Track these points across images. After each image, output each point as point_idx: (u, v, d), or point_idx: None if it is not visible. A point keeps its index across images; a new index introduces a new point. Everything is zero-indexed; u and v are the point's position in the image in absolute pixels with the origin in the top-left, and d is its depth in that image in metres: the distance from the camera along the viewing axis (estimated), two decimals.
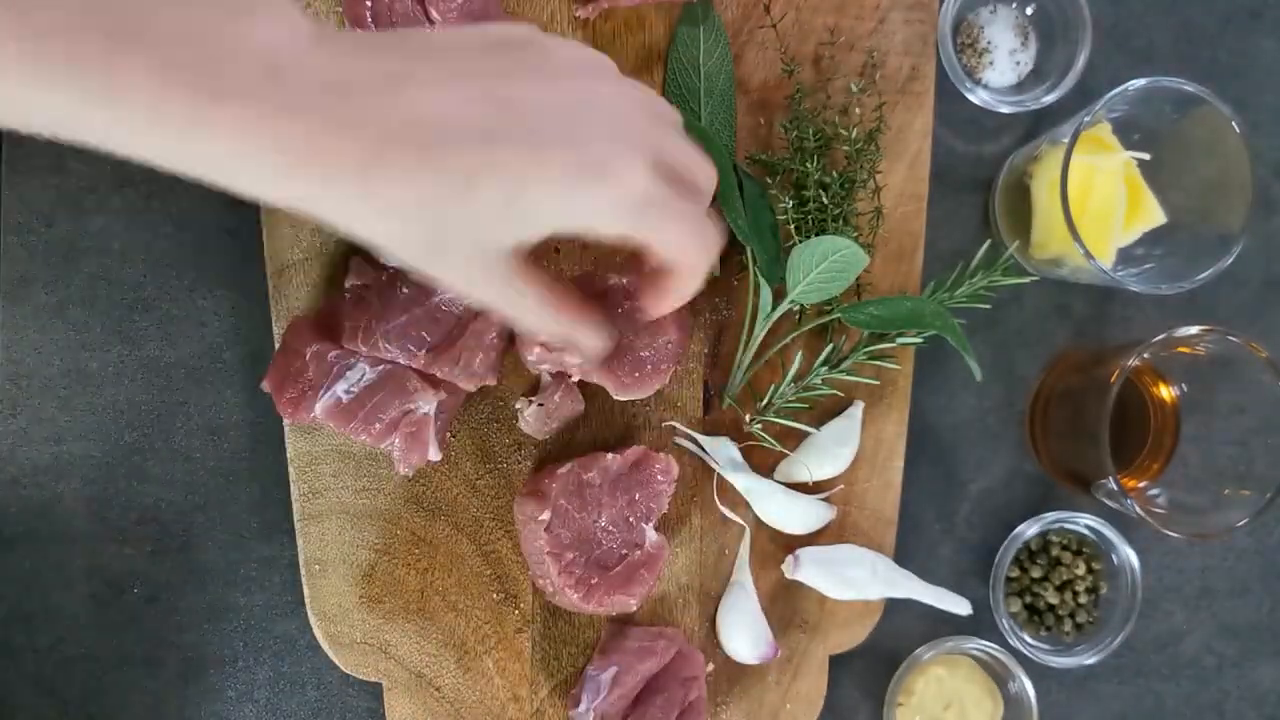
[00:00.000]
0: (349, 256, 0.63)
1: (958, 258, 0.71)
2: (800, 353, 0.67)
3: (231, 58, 0.38)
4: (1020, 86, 0.73)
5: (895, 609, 0.70)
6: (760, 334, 0.66)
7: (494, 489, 0.66)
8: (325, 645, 0.65)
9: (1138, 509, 0.64)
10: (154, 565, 0.67)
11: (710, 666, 0.68)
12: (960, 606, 0.69)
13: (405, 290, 0.60)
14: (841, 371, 0.67)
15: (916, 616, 0.71)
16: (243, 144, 0.39)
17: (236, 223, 0.67)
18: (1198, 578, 0.76)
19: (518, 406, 0.65)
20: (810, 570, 0.67)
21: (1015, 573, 0.73)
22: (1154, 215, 0.68)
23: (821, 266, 0.62)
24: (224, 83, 0.38)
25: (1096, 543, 0.72)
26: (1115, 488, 0.64)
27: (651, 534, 0.65)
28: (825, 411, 0.69)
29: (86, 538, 0.66)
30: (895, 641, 0.72)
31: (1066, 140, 0.62)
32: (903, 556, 0.71)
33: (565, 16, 0.66)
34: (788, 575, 0.68)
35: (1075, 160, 0.62)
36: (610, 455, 0.64)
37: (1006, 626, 0.71)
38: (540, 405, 0.64)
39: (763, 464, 0.69)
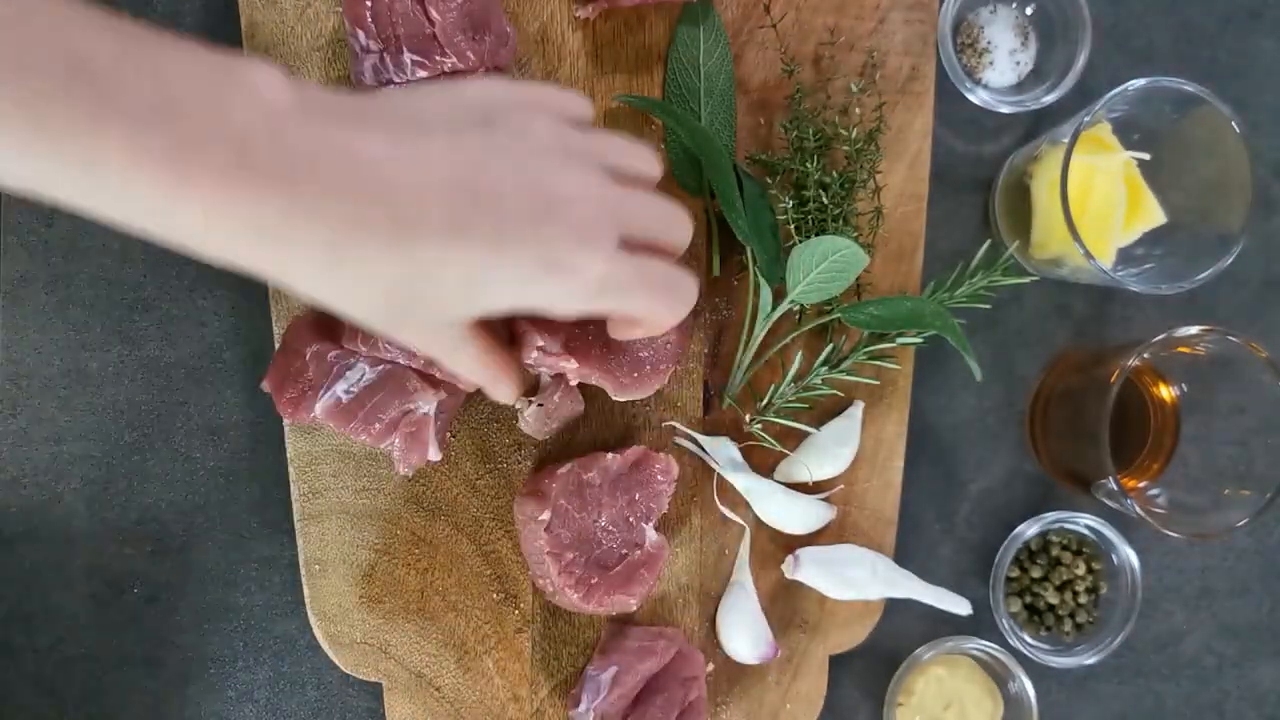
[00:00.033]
0: None
1: (958, 258, 0.71)
2: (800, 353, 0.67)
3: (206, 135, 0.39)
4: (1020, 86, 0.73)
5: (895, 609, 0.70)
6: (760, 334, 0.66)
7: (494, 489, 0.66)
8: (325, 645, 0.65)
9: (1138, 509, 0.64)
10: (154, 565, 0.67)
11: (710, 666, 0.68)
12: (960, 606, 0.69)
13: None
14: (841, 371, 0.67)
15: (916, 616, 0.71)
16: (213, 220, 0.40)
17: None
18: (1198, 578, 0.76)
19: (518, 406, 0.65)
20: (810, 570, 0.67)
21: (1015, 573, 0.73)
22: (1154, 215, 0.68)
23: (821, 266, 0.62)
24: (196, 162, 0.38)
25: (1096, 543, 0.72)
26: (1115, 488, 0.64)
27: (651, 534, 0.65)
28: (825, 411, 0.69)
29: (86, 538, 0.66)
30: (895, 641, 0.72)
31: (1066, 140, 0.62)
32: (903, 556, 0.71)
33: (565, 16, 0.66)
34: (788, 575, 0.68)
35: (1075, 160, 0.62)
36: (610, 455, 0.64)
37: (1006, 626, 0.71)
38: (540, 405, 0.64)
39: (763, 464, 0.69)
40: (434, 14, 0.59)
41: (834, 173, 0.67)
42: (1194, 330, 0.64)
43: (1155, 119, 0.67)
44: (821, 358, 0.67)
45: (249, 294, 0.67)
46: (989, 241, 0.70)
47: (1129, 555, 0.70)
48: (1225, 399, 0.69)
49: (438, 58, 0.59)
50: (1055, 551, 0.72)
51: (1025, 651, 0.71)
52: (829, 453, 0.68)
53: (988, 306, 0.70)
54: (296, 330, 0.61)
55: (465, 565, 0.66)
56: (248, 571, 0.68)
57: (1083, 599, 0.72)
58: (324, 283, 0.43)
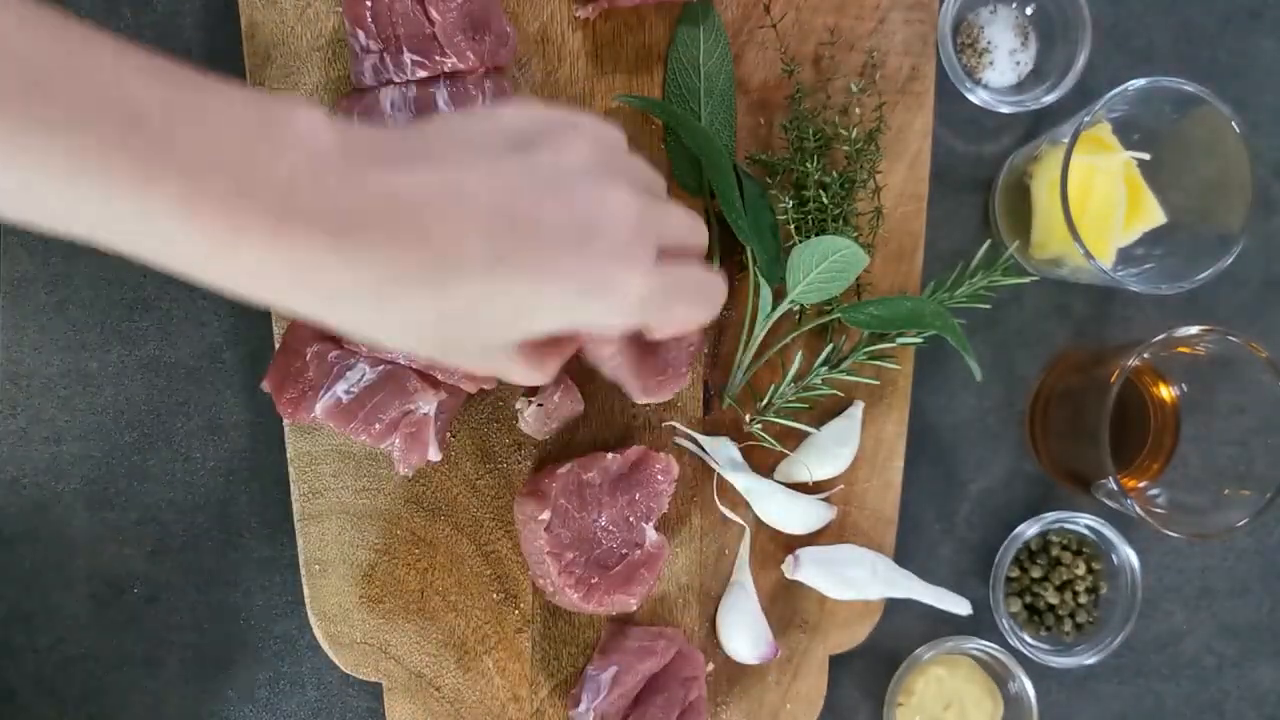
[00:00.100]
0: None
1: (958, 258, 0.71)
2: (800, 353, 0.67)
3: (254, 184, 0.40)
4: (1020, 86, 0.73)
5: (895, 609, 0.70)
6: (760, 334, 0.66)
7: (494, 489, 0.66)
8: (325, 645, 0.65)
9: (1138, 509, 0.64)
10: (154, 565, 0.67)
11: (710, 666, 0.68)
12: (960, 606, 0.69)
13: None
14: (841, 371, 0.67)
15: (916, 616, 0.71)
16: (261, 267, 0.40)
17: None
18: (1198, 578, 0.76)
19: (517, 407, 0.65)
20: (810, 570, 0.67)
21: (1015, 573, 0.73)
22: (1154, 215, 0.68)
23: (821, 266, 0.62)
24: (245, 210, 0.39)
25: (1096, 543, 0.72)
26: (1115, 488, 0.64)
27: (651, 534, 0.65)
28: (825, 411, 0.69)
29: (86, 538, 0.66)
30: (895, 641, 0.72)
31: (1066, 140, 0.62)
32: (903, 556, 0.71)
33: (565, 16, 0.66)
34: (788, 575, 0.68)
35: (1075, 160, 0.62)
36: (610, 455, 0.64)
37: (1006, 626, 0.71)
38: (540, 405, 0.64)
39: (763, 464, 0.69)
40: (434, 14, 0.59)
41: (834, 173, 0.67)
42: (1194, 330, 0.63)
43: (1155, 119, 0.67)
44: (821, 358, 0.67)
45: None
46: (989, 241, 0.70)
47: (1129, 555, 0.70)
48: (1225, 399, 0.69)
49: (438, 58, 0.59)
50: (1055, 551, 0.72)
51: (1025, 651, 0.71)
52: (829, 453, 0.68)
53: (988, 306, 0.70)
54: (296, 330, 0.61)
55: (465, 565, 0.66)
56: (248, 571, 0.68)
57: (1083, 599, 0.72)
58: (371, 325, 0.44)
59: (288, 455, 0.64)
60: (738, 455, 0.68)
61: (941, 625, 0.71)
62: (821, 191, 0.67)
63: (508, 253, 0.43)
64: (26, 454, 0.66)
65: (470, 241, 0.43)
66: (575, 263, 0.44)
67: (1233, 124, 0.63)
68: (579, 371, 0.66)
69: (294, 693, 0.68)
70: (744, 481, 0.67)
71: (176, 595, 0.67)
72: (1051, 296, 0.74)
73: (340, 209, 0.41)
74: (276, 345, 0.63)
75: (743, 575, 0.68)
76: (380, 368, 0.60)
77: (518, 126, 0.47)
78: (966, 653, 0.72)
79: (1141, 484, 0.72)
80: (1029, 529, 0.71)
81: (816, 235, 0.65)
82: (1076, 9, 0.70)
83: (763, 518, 0.68)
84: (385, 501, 0.65)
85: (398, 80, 0.60)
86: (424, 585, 0.65)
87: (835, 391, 0.68)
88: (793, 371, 0.66)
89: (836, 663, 0.70)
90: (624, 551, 0.64)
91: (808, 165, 0.66)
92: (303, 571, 0.65)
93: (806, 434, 0.68)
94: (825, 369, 0.67)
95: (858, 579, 0.67)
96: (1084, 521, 0.71)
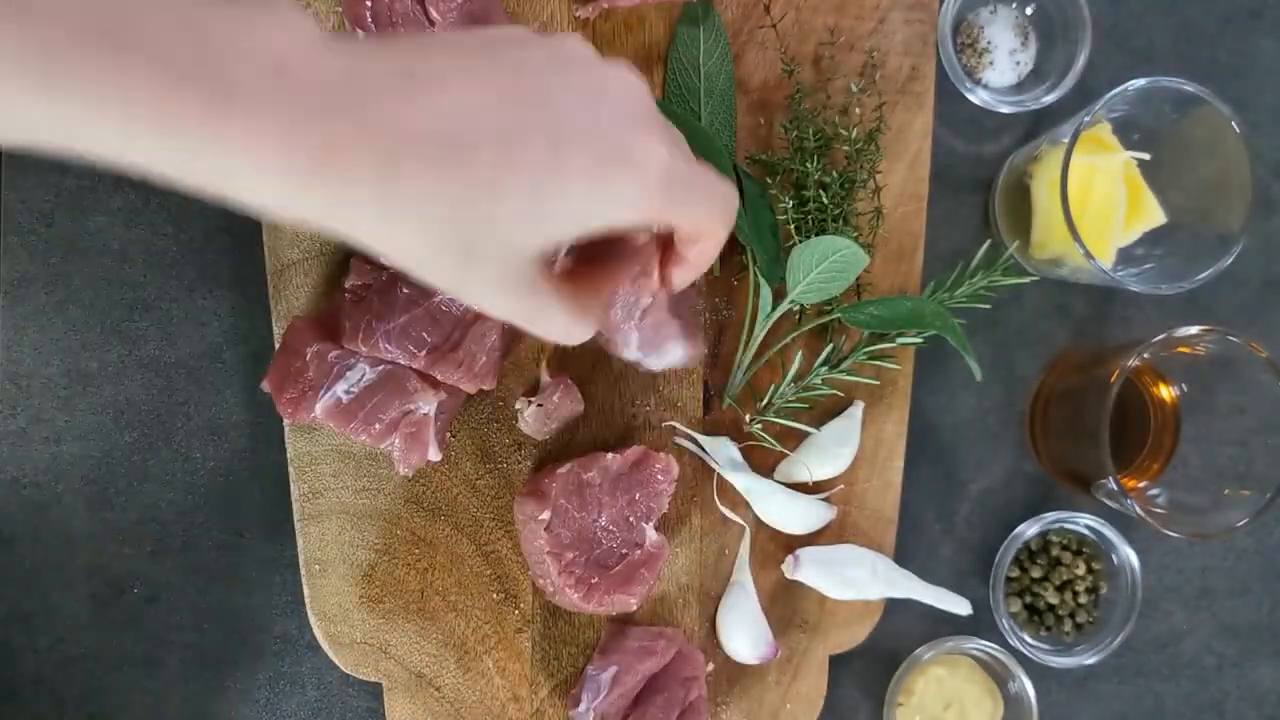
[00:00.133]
0: (349, 256, 0.63)
1: (958, 258, 0.71)
2: (800, 353, 0.67)
3: (241, 67, 0.37)
4: (1020, 86, 0.73)
5: (895, 609, 0.70)
6: (760, 334, 0.66)
7: (494, 489, 0.66)
8: (325, 645, 0.65)
9: (1138, 509, 0.64)
10: (154, 565, 0.67)
11: (710, 666, 0.68)
12: (960, 606, 0.69)
13: (405, 290, 0.60)
14: (841, 371, 0.67)
15: (916, 616, 0.71)
16: (256, 155, 0.37)
17: (236, 223, 0.67)
18: (1198, 578, 0.76)
19: (517, 407, 0.65)
20: (810, 570, 0.67)
21: (1015, 573, 0.73)
22: (1154, 215, 0.68)
23: (821, 266, 0.62)
24: (234, 93, 0.37)
25: (1096, 543, 0.72)
26: (1115, 488, 0.64)
27: (651, 533, 0.65)
28: (825, 411, 0.69)
29: (86, 538, 0.66)
30: (895, 641, 0.72)
31: (1066, 140, 0.62)
32: (903, 556, 0.71)
33: (565, 16, 0.66)
34: (788, 575, 0.68)
35: (1075, 160, 0.62)
36: (610, 455, 0.64)
37: (1006, 626, 0.71)
38: (540, 405, 0.64)
39: (763, 464, 0.69)
40: (434, 14, 0.59)
41: (834, 173, 0.67)
42: (1194, 330, 0.63)
43: (1155, 119, 0.67)
44: (821, 358, 0.67)
45: (249, 294, 0.67)
46: (989, 241, 0.70)
47: (1129, 555, 0.70)
48: (1225, 399, 0.69)
49: None
50: (1055, 551, 0.72)
51: (1025, 651, 0.71)
52: (829, 453, 0.68)
53: (988, 306, 0.70)
54: (296, 330, 0.61)
55: (465, 565, 0.66)
56: (248, 571, 0.68)
57: (1083, 599, 0.72)
58: (379, 218, 0.40)
59: (288, 455, 0.64)
60: (738, 455, 0.68)
61: (941, 625, 0.71)
62: (821, 191, 0.67)
63: (520, 125, 0.40)
64: (26, 454, 0.66)
65: (480, 112, 0.40)
66: (591, 129, 0.41)
67: (1233, 124, 0.63)
68: (579, 371, 0.66)
69: (294, 693, 0.68)
70: (744, 481, 0.67)
71: (176, 595, 0.67)
72: (1051, 296, 0.74)
73: (335, 85, 0.38)
74: (276, 345, 0.63)
75: (743, 575, 0.68)
76: (380, 368, 0.60)
77: (507, 33, 0.45)
78: (966, 653, 0.72)
79: (1141, 484, 0.72)
80: (1029, 529, 0.71)
81: (816, 235, 0.65)
82: (1076, 9, 0.70)
83: (763, 518, 0.68)
84: (385, 501, 0.65)
85: None
86: (424, 585, 0.65)
87: (835, 391, 0.68)
88: (793, 371, 0.66)
89: (836, 663, 0.70)
90: (624, 551, 0.64)
91: (808, 165, 0.66)
92: (303, 571, 0.65)
93: (806, 434, 0.68)
94: (825, 369, 0.67)
95: (858, 579, 0.67)
96: (1084, 521, 0.71)
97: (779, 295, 0.65)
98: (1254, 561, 0.76)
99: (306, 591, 0.65)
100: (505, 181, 0.40)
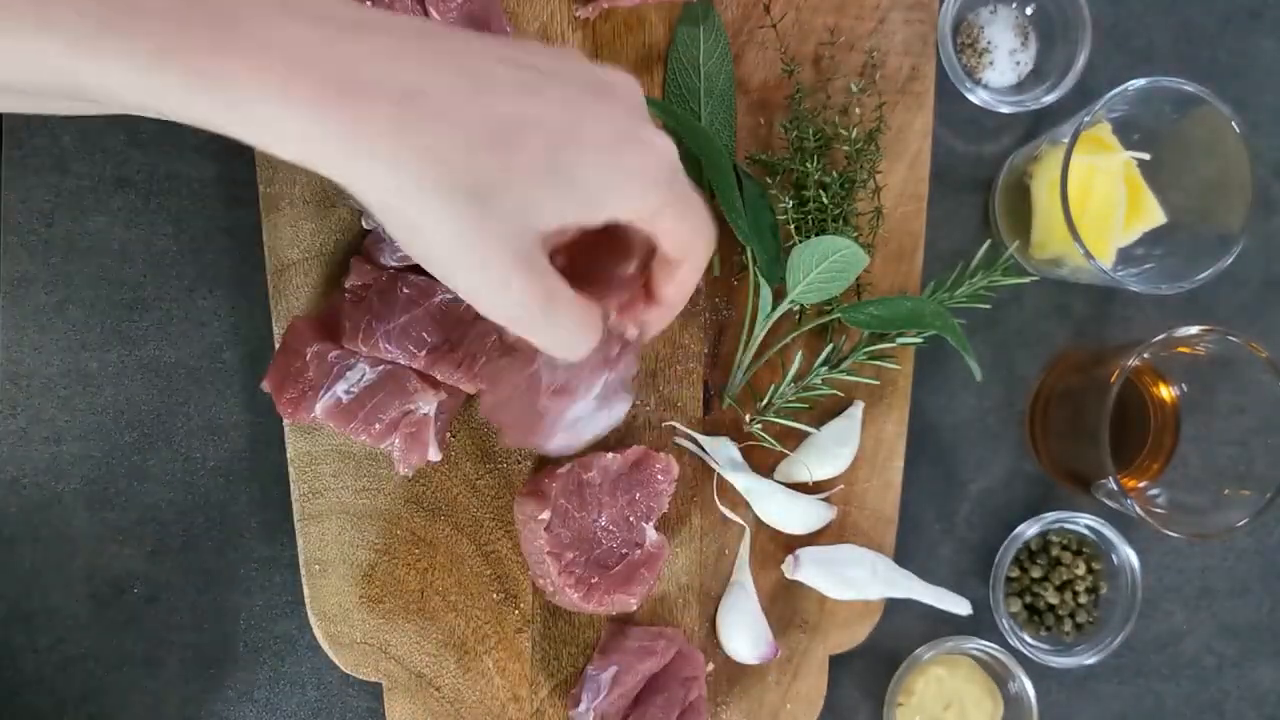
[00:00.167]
0: (349, 256, 0.63)
1: (958, 258, 0.71)
2: (800, 353, 0.67)
3: (256, 4, 0.36)
4: (1020, 86, 0.73)
5: (895, 609, 0.70)
6: (760, 334, 0.66)
7: (494, 489, 0.66)
8: (325, 645, 0.65)
9: (1138, 509, 0.64)
10: (154, 565, 0.67)
11: (710, 666, 0.68)
12: (960, 606, 0.69)
13: (405, 290, 0.60)
14: (841, 371, 0.67)
15: (916, 616, 0.71)
16: (262, 80, 0.36)
17: (236, 223, 0.67)
18: (1198, 578, 0.76)
19: None
20: (810, 570, 0.67)
21: (1015, 573, 0.73)
22: (1154, 215, 0.68)
23: (821, 266, 0.62)
24: (245, 16, 0.36)
25: (1096, 543, 0.72)
26: (1115, 488, 0.64)
27: (651, 533, 0.65)
28: (825, 411, 0.69)
29: (86, 538, 0.66)
30: (895, 641, 0.72)
31: (1066, 140, 0.62)
32: (903, 556, 0.71)
33: (565, 16, 0.66)
34: (788, 575, 0.68)
35: (1075, 160, 0.63)
36: (610, 455, 0.64)
37: (1006, 626, 0.71)
38: None
39: (763, 464, 0.69)
40: (434, 14, 0.59)
41: (834, 173, 0.67)
42: (1194, 330, 0.63)
43: (1155, 119, 0.67)
44: (821, 358, 0.67)
45: (249, 294, 0.67)
46: (989, 241, 0.70)
47: (1129, 555, 0.70)
48: (1225, 399, 0.69)
49: None
50: (1055, 551, 0.72)
51: (1025, 651, 0.71)
52: (829, 453, 0.68)
53: (988, 306, 0.70)
54: (296, 330, 0.61)
55: (465, 565, 0.66)
56: (248, 571, 0.68)
57: (1083, 599, 0.72)
58: (396, 149, 0.37)
59: (288, 455, 0.64)
60: (738, 455, 0.68)
61: (941, 625, 0.71)
62: (821, 191, 0.67)
63: (537, 87, 0.40)
64: (26, 454, 0.66)
65: (499, 67, 0.40)
66: (604, 110, 0.42)
67: (1233, 124, 0.63)
68: None
69: (294, 693, 0.68)
70: (744, 481, 0.67)
71: (176, 595, 0.67)
72: (1051, 296, 0.74)
73: (348, 20, 0.38)
74: (276, 345, 0.63)
75: (743, 575, 0.68)
76: (380, 368, 0.60)
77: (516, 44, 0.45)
78: (966, 653, 0.72)
79: (1141, 484, 0.72)
80: (1029, 529, 0.71)
81: (816, 235, 0.65)
82: (1076, 9, 0.70)
83: (763, 518, 0.68)
84: (385, 501, 0.65)
85: None
86: (424, 585, 0.65)
87: (835, 391, 0.68)
88: (793, 371, 0.66)
89: (836, 663, 0.70)
90: (624, 551, 0.64)
91: (808, 165, 0.66)
92: (303, 571, 0.65)
93: (806, 434, 0.68)
94: (825, 369, 0.67)
95: (858, 579, 0.67)
96: (1084, 521, 0.71)
97: (779, 295, 0.65)
98: (1254, 561, 0.76)
99: (306, 591, 0.65)
100: (523, 132, 0.39)
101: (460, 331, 0.60)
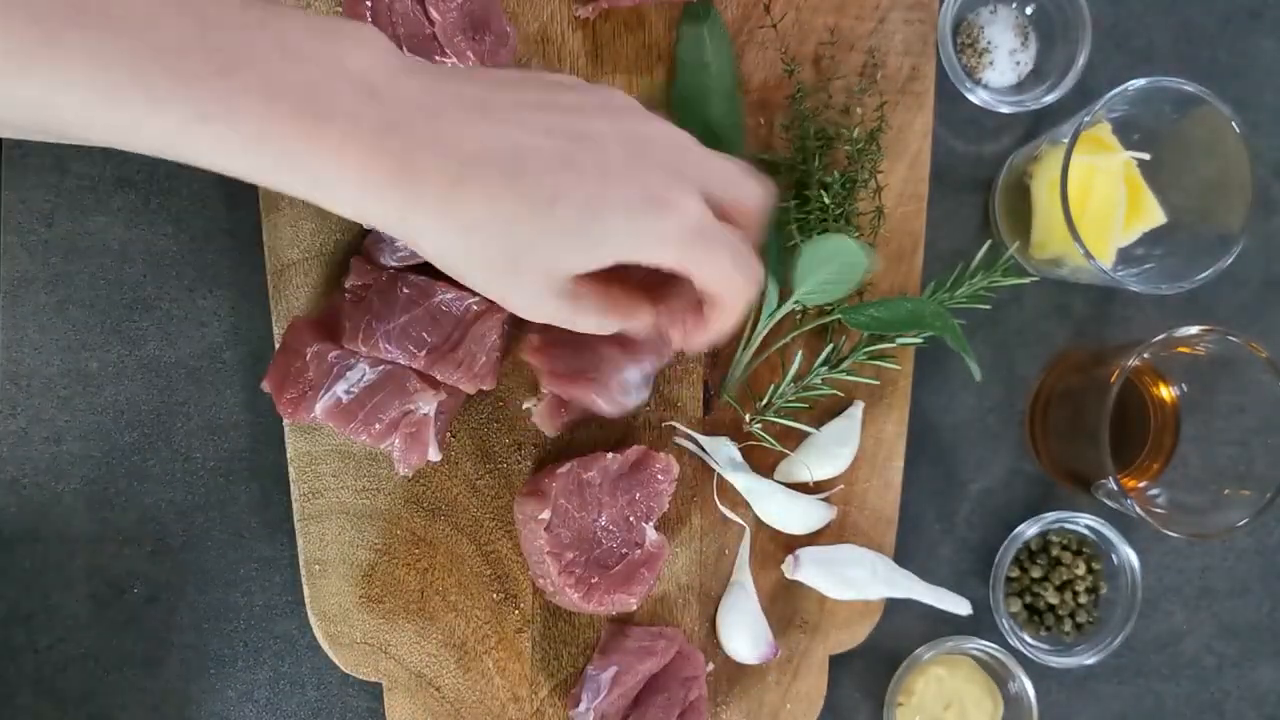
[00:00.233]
0: (349, 256, 0.63)
1: (958, 258, 0.71)
2: (800, 352, 0.67)
3: (332, 80, 0.41)
4: (1020, 86, 0.73)
5: (895, 609, 0.70)
6: (762, 333, 0.66)
7: (494, 489, 0.66)
8: (325, 645, 0.65)
9: (1138, 509, 0.64)
10: (154, 565, 0.67)
11: (710, 666, 0.68)
12: (960, 606, 0.69)
13: (405, 290, 0.60)
14: (841, 371, 0.67)
15: (916, 616, 0.71)
16: (341, 162, 0.41)
17: (236, 223, 0.67)
18: (1198, 578, 0.76)
19: (526, 406, 0.66)
20: (810, 570, 0.67)
21: (1015, 573, 0.73)
22: (1154, 215, 0.68)
23: (830, 269, 0.62)
24: (327, 103, 0.41)
25: (1096, 543, 0.72)
26: (1115, 488, 0.64)
27: (652, 533, 0.65)
28: (825, 411, 0.69)
29: (86, 538, 0.66)
30: (895, 641, 0.72)
31: (1066, 140, 0.62)
32: (903, 556, 0.71)
33: (565, 16, 0.66)
34: (788, 575, 0.68)
35: (1075, 160, 0.63)
36: (610, 455, 0.64)
37: (1006, 626, 0.71)
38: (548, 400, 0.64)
39: (763, 464, 0.69)
40: (434, 14, 0.59)
41: (835, 172, 0.67)
42: (1194, 330, 0.63)
43: (1155, 119, 0.67)
44: (821, 358, 0.67)
45: (249, 294, 0.67)
46: (989, 241, 0.70)
47: (1129, 555, 0.70)
48: (1225, 399, 0.69)
49: (437, 58, 0.59)
50: (1055, 551, 0.72)
51: (1025, 651, 0.71)
52: (829, 453, 0.68)
53: (988, 306, 0.70)
54: (296, 330, 0.61)
55: (465, 565, 0.66)
56: (248, 571, 0.68)
57: (1083, 599, 0.72)
58: (440, 230, 0.44)
59: (288, 455, 0.64)
60: (738, 455, 0.68)
61: (941, 625, 0.71)
62: (823, 191, 0.66)
63: (574, 158, 0.45)
64: (26, 454, 0.66)
65: (542, 143, 0.45)
66: (636, 174, 0.46)
67: (1233, 124, 0.63)
68: None
69: (294, 693, 0.68)
70: (744, 481, 0.67)
71: (176, 595, 0.67)
72: (1051, 296, 0.74)
73: (417, 103, 0.43)
74: (276, 345, 0.63)
75: (743, 575, 0.68)
76: (380, 368, 0.60)
77: (560, 78, 0.50)
78: (966, 653, 0.72)
79: (1141, 484, 0.72)
80: (1029, 529, 0.71)
81: (818, 235, 0.65)
82: (1076, 9, 0.70)
83: (763, 518, 0.68)
84: (385, 501, 0.65)
85: None
86: (424, 585, 0.65)
87: (835, 391, 0.68)
88: (793, 371, 0.66)
89: (836, 663, 0.70)
90: (624, 551, 0.64)
91: (810, 164, 0.66)
92: (303, 571, 0.65)
93: (806, 434, 0.68)
94: (825, 369, 0.67)
95: (858, 579, 0.67)
96: (1084, 521, 0.71)
97: (783, 295, 0.65)
98: (1254, 561, 0.76)
99: (306, 591, 0.65)
100: (554, 207, 0.45)
101: (460, 331, 0.60)
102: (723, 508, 0.68)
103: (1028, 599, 0.73)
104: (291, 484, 0.64)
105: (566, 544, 0.62)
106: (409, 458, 0.61)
